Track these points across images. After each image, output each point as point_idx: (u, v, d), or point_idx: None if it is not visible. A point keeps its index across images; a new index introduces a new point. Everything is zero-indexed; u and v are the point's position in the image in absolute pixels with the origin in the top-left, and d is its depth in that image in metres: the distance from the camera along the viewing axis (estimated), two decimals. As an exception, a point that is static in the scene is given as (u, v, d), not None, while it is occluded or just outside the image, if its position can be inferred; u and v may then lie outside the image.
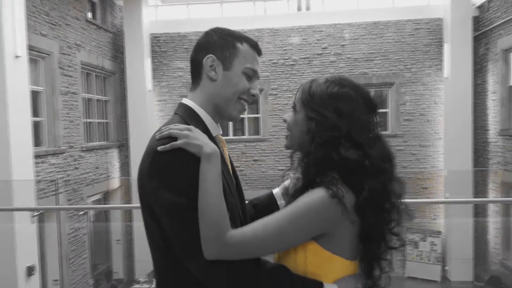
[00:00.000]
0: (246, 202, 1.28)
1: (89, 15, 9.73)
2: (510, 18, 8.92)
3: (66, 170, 8.42)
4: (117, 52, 10.87)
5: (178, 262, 0.98)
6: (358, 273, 1.05)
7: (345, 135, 1.00)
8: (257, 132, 11.57)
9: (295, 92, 1.15)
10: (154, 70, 11.19)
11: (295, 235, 0.94)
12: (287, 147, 1.15)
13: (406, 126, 10.82)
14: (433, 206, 10.65)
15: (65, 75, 8.43)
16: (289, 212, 0.94)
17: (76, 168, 8.82)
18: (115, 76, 10.85)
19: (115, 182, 10.76)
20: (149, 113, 10.93)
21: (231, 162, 1.22)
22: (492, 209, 10.27)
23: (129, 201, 10.65)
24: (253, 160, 11.22)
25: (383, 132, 1.20)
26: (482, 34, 10.18)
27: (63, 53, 8.37)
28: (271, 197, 1.33)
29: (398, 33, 10.67)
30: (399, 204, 1.04)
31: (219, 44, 1.11)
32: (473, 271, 10.19)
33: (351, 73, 10.79)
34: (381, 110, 10.81)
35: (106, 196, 10.47)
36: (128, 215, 10.93)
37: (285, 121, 1.17)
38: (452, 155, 10.30)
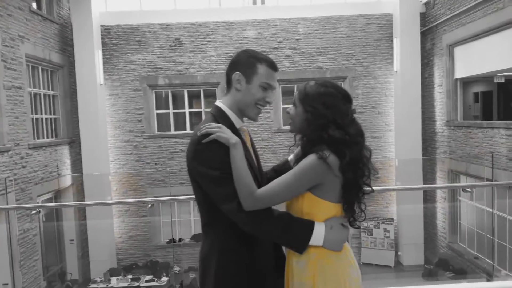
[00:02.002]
0: (267, 169, 1.79)
1: (34, 5, 9.19)
2: (454, 14, 9.40)
3: (13, 169, 7.97)
4: (65, 44, 10.37)
5: (210, 211, 1.51)
6: (342, 215, 1.48)
7: (331, 121, 1.44)
8: (214, 126, 11.46)
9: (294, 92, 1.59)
10: (105, 63, 10.80)
11: (297, 188, 1.40)
12: (291, 131, 1.59)
13: (358, 118, 10.86)
14: (385, 194, 11.09)
15: (8, 69, 7.94)
16: (293, 173, 1.40)
17: (23, 167, 8.37)
18: (63, 70, 10.36)
19: (67, 180, 10.33)
20: (100, 107, 10.55)
21: (253, 145, 1.70)
22: (439, 195, 10.84)
23: (82, 198, 10.27)
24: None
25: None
26: (428, 29, 10.66)
27: (6, 45, 7.88)
28: (286, 163, 1.75)
29: (350, 28, 10.94)
30: (369, 163, 1.51)
31: (244, 64, 1.54)
32: (423, 255, 10.74)
33: (306, 68, 10.97)
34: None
35: (57, 194, 10.03)
36: (81, 213, 10.54)
37: (288, 113, 1.58)
38: (402, 145, 10.76)
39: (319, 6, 11.01)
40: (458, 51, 9.75)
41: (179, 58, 10.95)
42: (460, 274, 9.40)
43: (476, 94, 13.88)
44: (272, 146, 11.10)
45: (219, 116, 1.55)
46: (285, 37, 10.90)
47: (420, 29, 10.63)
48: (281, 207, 1.52)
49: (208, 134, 1.44)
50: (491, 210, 8.82)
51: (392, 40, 10.86)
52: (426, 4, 10.80)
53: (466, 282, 9.21)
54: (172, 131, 11.37)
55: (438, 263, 10.14)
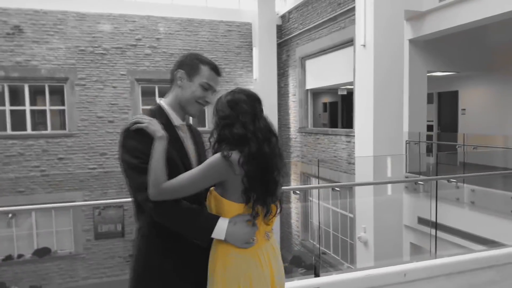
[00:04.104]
0: None
1: None
2: (305, 29, 10.19)
3: None
4: None
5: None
6: (248, 213, 1.52)
7: (235, 120, 1.53)
8: (63, 126, 10.31)
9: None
10: None
11: (201, 183, 1.50)
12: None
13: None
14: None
15: None
16: (199, 168, 1.51)
17: None
18: None
19: None
20: None
21: (198, 142, 1.78)
22: (293, 196, 11.60)
23: None
24: (58, 159, 9.96)
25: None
26: (284, 41, 11.37)
27: None
28: None
29: (211, 33, 11.00)
30: (276, 159, 1.57)
31: (188, 63, 1.66)
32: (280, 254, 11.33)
33: (167, 68, 10.62)
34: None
35: None
36: None
37: None
38: (260, 150, 11.21)
39: (180, 6, 10.80)
40: (309, 64, 10.60)
41: (19, 48, 9.55)
42: (310, 269, 10.12)
43: (324, 104, 15.37)
44: (129, 149, 10.44)
45: (157, 112, 1.66)
46: (145, 35, 10.41)
47: (277, 41, 11.26)
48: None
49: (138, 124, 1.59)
50: (334, 208, 9.76)
51: (251, 49, 11.26)
52: (282, 17, 11.50)
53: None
54: (9, 131, 9.85)
55: (292, 261, 10.79)
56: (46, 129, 10.19)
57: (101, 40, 10.03)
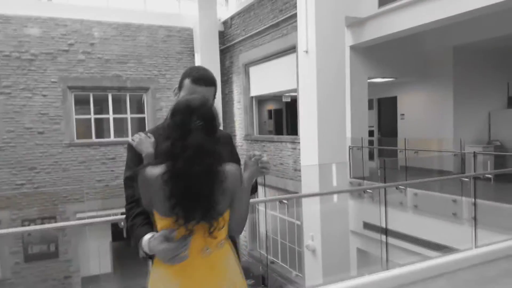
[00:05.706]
0: None
1: None
2: (248, 36, 10.07)
3: None
4: None
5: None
6: (174, 228, 1.41)
7: (169, 134, 1.44)
8: (-16, 139, 9.35)
9: None
10: None
11: (143, 197, 1.48)
12: None
13: (163, 132, 10.82)
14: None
15: None
16: None
17: None
18: None
19: None
20: None
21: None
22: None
23: None
24: (-22, 175, 9.01)
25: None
26: (227, 48, 11.18)
27: None
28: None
29: (151, 38, 10.55)
30: (213, 178, 1.41)
31: (180, 79, 1.78)
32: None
33: (103, 74, 10.03)
34: (139, 115, 10.57)
35: None
36: None
37: None
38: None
39: (116, 10, 10.28)
40: (253, 70, 10.48)
41: None
42: (259, 280, 9.94)
43: (270, 111, 15.36)
44: (63, 162, 9.68)
45: (162, 126, 1.72)
46: (78, 39, 9.76)
47: (220, 47, 11.04)
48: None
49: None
50: (282, 216, 9.65)
51: (193, 55, 10.95)
52: (224, 23, 11.31)
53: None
54: None
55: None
56: (-35, 142, 9.19)
57: (29, 44, 9.25)
